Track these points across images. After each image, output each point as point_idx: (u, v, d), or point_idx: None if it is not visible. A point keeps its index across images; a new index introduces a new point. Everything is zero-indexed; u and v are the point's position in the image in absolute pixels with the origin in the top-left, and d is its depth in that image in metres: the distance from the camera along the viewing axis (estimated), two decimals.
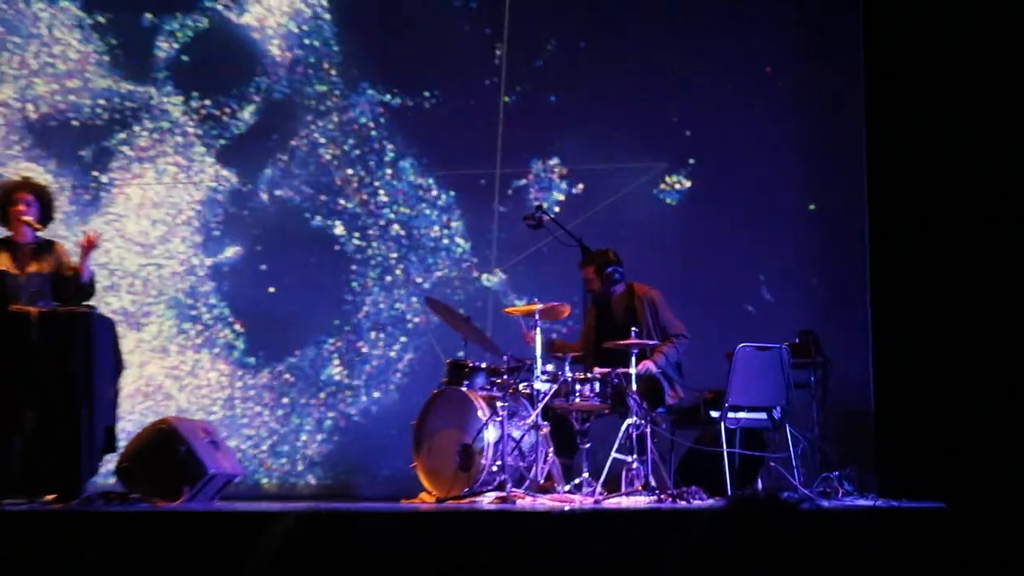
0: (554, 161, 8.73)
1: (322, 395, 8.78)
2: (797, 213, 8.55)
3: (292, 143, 8.90)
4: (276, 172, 8.90)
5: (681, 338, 7.24)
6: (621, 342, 6.85)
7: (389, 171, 8.88)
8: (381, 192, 8.86)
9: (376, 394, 8.77)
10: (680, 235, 8.58)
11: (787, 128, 8.51)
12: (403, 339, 8.79)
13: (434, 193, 8.87)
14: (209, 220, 8.89)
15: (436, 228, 8.83)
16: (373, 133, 8.91)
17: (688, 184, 8.64)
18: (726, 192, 8.57)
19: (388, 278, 8.86)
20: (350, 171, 8.89)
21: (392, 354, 8.80)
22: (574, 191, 8.70)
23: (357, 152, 8.91)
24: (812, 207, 8.51)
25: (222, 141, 8.94)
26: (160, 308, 8.88)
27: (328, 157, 8.90)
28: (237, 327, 8.85)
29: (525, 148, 8.74)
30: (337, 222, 8.86)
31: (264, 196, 8.88)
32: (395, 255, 8.83)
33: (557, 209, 8.44)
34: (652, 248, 8.32)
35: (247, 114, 8.92)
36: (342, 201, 8.87)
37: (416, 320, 8.75)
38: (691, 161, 8.65)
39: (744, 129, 8.50)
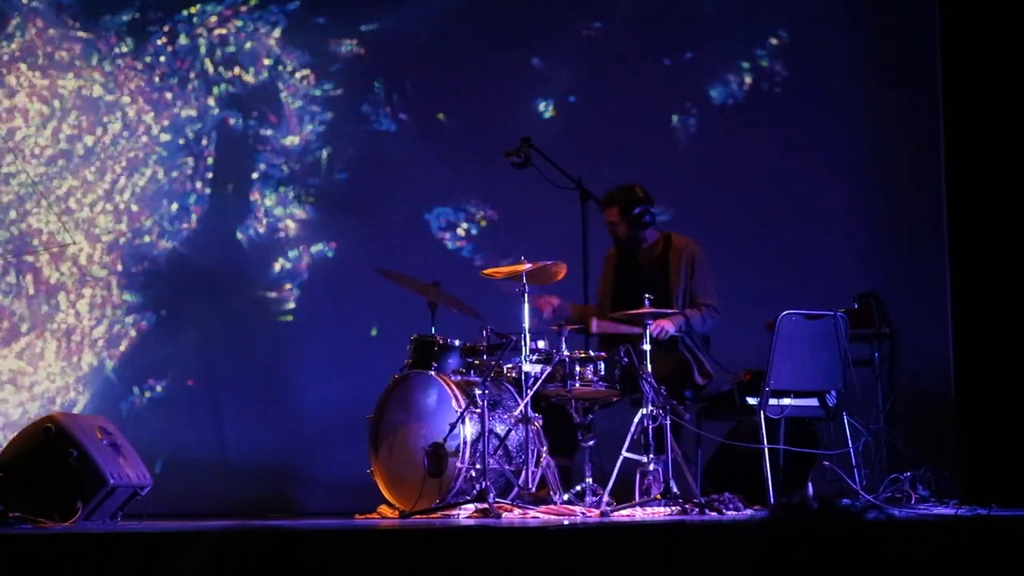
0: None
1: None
2: (853, 142, 8.57)
3: None
4: None
5: (711, 310, 7.26)
6: (629, 311, 6.87)
7: None
8: None
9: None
10: (706, 171, 8.60)
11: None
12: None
13: None
14: None
15: None
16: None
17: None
18: (765, 116, 8.60)
19: None
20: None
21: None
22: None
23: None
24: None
25: None
26: None
27: None
28: None
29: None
30: None
31: None
32: None
33: None
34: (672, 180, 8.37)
35: None
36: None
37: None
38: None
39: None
